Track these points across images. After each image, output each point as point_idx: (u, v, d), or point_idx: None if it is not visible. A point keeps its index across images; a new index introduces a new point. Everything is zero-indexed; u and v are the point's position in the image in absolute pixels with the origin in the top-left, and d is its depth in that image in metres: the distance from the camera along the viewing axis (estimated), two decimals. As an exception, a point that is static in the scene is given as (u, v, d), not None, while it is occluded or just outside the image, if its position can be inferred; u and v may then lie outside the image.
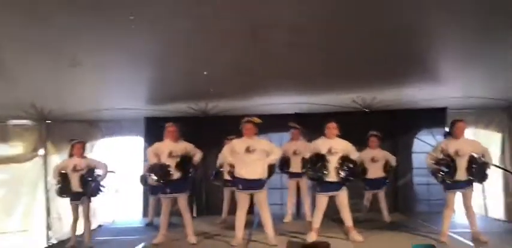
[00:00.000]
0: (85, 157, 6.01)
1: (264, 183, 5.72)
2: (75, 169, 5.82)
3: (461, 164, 5.49)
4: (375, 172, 7.13)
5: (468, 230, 5.75)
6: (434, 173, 5.64)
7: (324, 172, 5.68)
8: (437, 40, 5.90)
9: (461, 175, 5.49)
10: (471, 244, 5.48)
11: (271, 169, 5.83)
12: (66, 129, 8.50)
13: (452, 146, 5.58)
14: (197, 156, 6.03)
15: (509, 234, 6.18)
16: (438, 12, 4.90)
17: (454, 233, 5.87)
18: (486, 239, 5.50)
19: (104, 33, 5.21)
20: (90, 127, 9.07)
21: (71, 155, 5.99)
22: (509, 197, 8.55)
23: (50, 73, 6.43)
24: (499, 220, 7.84)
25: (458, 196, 5.66)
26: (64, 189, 5.84)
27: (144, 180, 7.59)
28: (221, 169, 7.23)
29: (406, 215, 8.03)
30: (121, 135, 9.33)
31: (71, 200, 5.86)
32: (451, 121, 6.00)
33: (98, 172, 5.98)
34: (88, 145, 8.05)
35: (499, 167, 8.34)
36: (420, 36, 5.73)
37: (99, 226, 7.69)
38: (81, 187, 5.78)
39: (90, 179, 5.83)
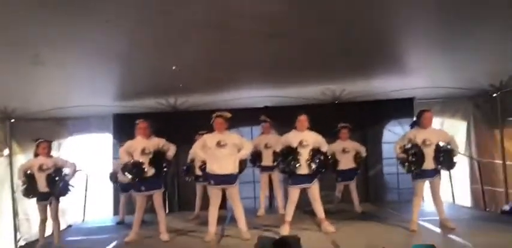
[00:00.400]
0: (51, 157, 5.86)
1: (235, 178, 5.70)
2: (41, 169, 5.66)
3: (429, 153, 5.57)
4: (346, 163, 7.19)
5: (437, 218, 5.86)
6: (402, 162, 5.72)
7: (296, 165, 5.69)
8: (404, 31, 5.97)
9: (428, 164, 5.57)
10: (439, 231, 5.59)
11: (242, 164, 5.81)
12: (31, 128, 8.32)
13: (419, 135, 5.65)
14: (171, 150, 5.95)
15: (476, 220, 6.33)
16: (405, 4, 4.94)
17: (424, 221, 5.97)
18: (454, 226, 5.61)
19: (68, 29, 5.08)
20: (56, 125, 8.90)
21: (36, 155, 5.82)
22: (475, 185, 8.77)
23: (13, 71, 6.25)
24: (465, 207, 8.03)
25: (426, 185, 5.76)
26: (30, 190, 5.68)
27: (114, 177, 7.47)
28: (192, 164, 7.18)
29: (377, 205, 8.15)
30: (89, 133, 9.18)
31: (38, 200, 5.70)
32: (418, 111, 6.08)
33: (66, 171, 5.84)
34: (55, 144, 7.91)
35: (465, 155, 8.56)
36: (387, 28, 5.78)
37: (69, 226, 7.52)
38: (48, 187, 5.63)
39: (57, 179, 5.69)
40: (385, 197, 9.00)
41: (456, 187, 8.35)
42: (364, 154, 7.35)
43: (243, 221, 5.70)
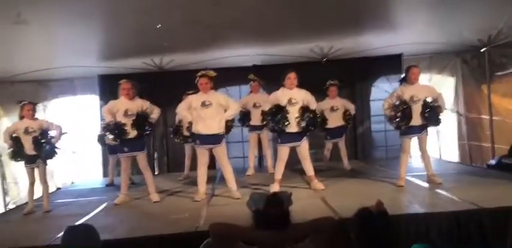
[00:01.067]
0: (36, 119, 5.75)
1: (222, 138, 5.67)
2: (27, 132, 5.57)
3: (416, 109, 5.57)
4: (335, 121, 7.19)
5: (424, 173, 5.93)
6: (390, 120, 5.72)
7: (285, 123, 5.66)
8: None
9: (416, 120, 5.58)
10: (427, 186, 5.67)
11: (228, 124, 5.78)
12: (15, 90, 8.18)
13: (407, 92, 5.62)
14: (155, 113, 5.85)
15: (462, 175, 6.42)
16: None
17: (411, 176, 6.05)
18: (440, 180, 5.68)
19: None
20: (41, 87, 8.73)
21: (21, 117, 5.72)
22: (462, 140, 8.87)
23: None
24: (452, 162, 8.13)
25: (414, 141, 5.79)
26: (17, 153, 5.62)
27: (101, 139, 7.41)
28: (179, 125, 7.14)
29: (365, 162, 8.25)
30: (74, 94, 9.04)
31: (26, 163, 5.66)
32: (406, 67, 6.03)
33: (52, 133, 5.77)
34: (40, 106, 7.80)
35: (452, 111, 8.61)
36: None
37: (58, 188, 7.52)
38: (35, 149, 5.57)
39: (43, 141, 5.62)
40: (373, 154, 9.10)
41: (443, 142, 8.43)
42: (353, 111, 7.35)
43: (233, 180, 5.73)
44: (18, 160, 5.70)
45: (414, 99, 5.57)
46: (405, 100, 5.59)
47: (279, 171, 5.88)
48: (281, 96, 5.77)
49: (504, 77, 8.47)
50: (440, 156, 8.28)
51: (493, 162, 7.34)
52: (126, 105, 5.69)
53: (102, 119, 7.91)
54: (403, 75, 5.94)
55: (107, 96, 8.13)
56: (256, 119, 7.10)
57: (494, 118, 8.45)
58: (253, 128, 7.38)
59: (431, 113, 5.58)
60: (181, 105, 5.80)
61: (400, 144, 5.89)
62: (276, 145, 6.21)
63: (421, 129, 5.66)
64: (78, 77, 8.79)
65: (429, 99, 5.61)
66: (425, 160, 5.84)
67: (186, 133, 6.82)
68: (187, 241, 3.85)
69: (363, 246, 2.47)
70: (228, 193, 5.70)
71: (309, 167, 5.92)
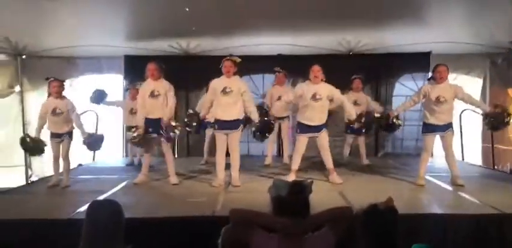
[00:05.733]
0: (64, 98, 5.77)
1: (239, 124, 5.66)
2: (54, 113, 5.62)
3: (442, 110, 5.48)
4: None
5: (444, 174, 5.85)
6: None
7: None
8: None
9: (440, 119, 5.50)
10: (449, 187, 5.57)
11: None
12: (42, 65, 8.27)
13: (434, 91, 5.51)
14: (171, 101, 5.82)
15: (484, 179, 6.33)
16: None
17: (431, 176, 5.97)
18: (463, 182, 5.53)
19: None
20: (67, 64, 8.79)
21: (49, 94, 5.77)
22: (486, 143, 8.72)
23: (25, 5, 6.12)
24: (474, 164, 7.98)
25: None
26: None
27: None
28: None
29: (384, 159, 8.19)
30: (100, 73, 9.09)
31: (52, 137, 5.73)
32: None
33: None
34: (67, 82, 7.87)
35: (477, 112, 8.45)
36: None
37: (80, 165, 7.62)
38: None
39: None
40: (392, 150, 9.00)
41: (466, 144, 8.29)
42: (378, 110, 7.14)
43: (237, 168, 5.72)
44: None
45: (440, 99, 5.47)
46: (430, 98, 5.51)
47: (296, 162, 5.87)
48: (306, 90, 5.73)
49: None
50: (462, 158, 8.12)
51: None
52: (153, 86, 5.71)
53: (125, 98, 7.98)
54: (430, 74, 5.83)
55: (131, 77, 8.26)
56: (279, 111, 7.05)
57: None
58: (275, 119, 7.26)
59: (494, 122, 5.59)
60: (208, 92, 5.85)
61: (423, 142, 5.81)
62: (294, 135, 6.18)
63: (446, 127, 5.56)
64: (104, 56, 8.85)
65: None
66: (450, 160, 5.68)
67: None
68: (204, 224, 3.88)
69: (367, 242, 2.45)
70: (246, 183, 5.71)
71: (328, 158, 5.87)
